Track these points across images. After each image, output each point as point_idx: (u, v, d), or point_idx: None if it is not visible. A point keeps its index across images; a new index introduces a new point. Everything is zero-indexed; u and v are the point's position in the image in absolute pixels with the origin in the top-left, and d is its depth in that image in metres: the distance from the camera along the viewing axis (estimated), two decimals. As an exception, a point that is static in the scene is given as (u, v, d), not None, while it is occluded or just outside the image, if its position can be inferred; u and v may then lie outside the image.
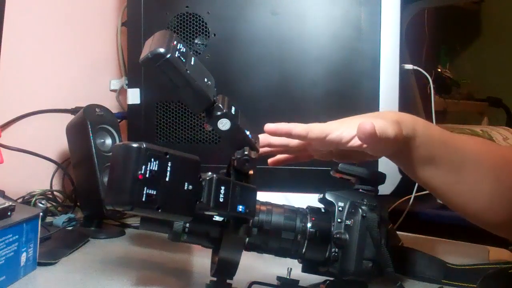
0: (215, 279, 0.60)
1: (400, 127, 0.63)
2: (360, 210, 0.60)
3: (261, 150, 0.69)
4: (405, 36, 0.97)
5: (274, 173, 0.91)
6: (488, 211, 0.68)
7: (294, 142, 0.69)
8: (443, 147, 0.69)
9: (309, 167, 0.91)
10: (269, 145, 0.70)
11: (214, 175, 0.55)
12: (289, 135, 0.64)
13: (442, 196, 0.70)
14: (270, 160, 0.73)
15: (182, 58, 0.56)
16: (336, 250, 0.60)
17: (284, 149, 0.71)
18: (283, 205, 0.63)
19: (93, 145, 0.91)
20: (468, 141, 0.72)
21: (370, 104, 0.87)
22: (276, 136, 0.66)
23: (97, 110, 0.95)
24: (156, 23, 0.99)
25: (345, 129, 0.62)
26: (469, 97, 2.75)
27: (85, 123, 0.91)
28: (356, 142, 0.62)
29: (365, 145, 0.61)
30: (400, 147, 0.65)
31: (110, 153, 0.91)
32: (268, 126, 0.64)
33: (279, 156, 0.73)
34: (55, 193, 1.09)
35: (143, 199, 0.51)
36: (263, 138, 0.67)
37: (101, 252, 0.83)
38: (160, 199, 0.51)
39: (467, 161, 0.69)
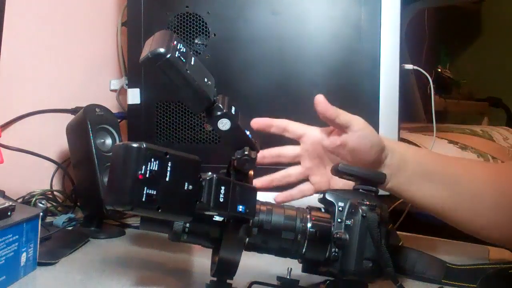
0: (215, 279, 0.60)
1: (378, 136, 0.69)
2: (360, 210, 0.60)
3: (261, 182, 0.72)
4: (405, 36, 0.97)
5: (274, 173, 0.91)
6: (492, 226, 0.68)
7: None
8: (436, 161, 0.71)
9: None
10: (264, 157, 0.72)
11: (214, 175, 0.55)
12: (270, 126, 0.72)
13: (444, 215, 0.71)
14: (277, 197, 0.73)
15: (182, 58, 0.56)
16: (336, 250, 0.60)
17: (278, 160, 0.73)
18: (283, 205, 0.63)
19: (93, 145, 0.90)
20: (458, 158, 0.75)
21: (370, 104, 0.87)
22: (260, 129, 0.71)
23: (97, 110, 0.95)
24: (156, 23, 0.99)
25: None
26: (469, 97, 2.76)
27: (85, 123, 0.91)
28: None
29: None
30: (382, 153, 0.69)
31: (110, 153, 0.91)
32: (254, 120, 0.71)
33: (285, 193, 0.74)
34: (55, 193, 1.09)
35: (143, 199, 0.51)
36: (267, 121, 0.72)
37: (101, 252, 0.83)
38: (160, 199, 0.51)
39: (463, 174, 0.70)
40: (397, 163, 0.70)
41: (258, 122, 0.71)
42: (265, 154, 0.72)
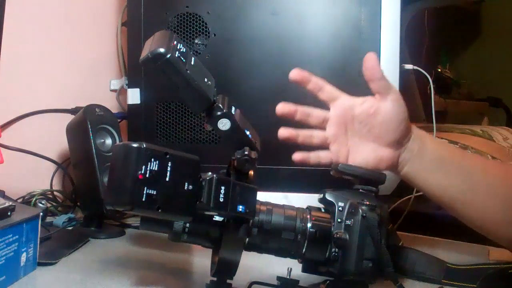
0: (215, 279, 0.60)
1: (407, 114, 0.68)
2: (360, 210, 0.60)
3: (289, 132, 0.70)
4: (405, 36, 0.97)
5: (274, 173, 0.91)
6: (503, 223, 0.68)
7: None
8: (453, 151, 0.71)
9: (309, 167, 0.91)
10: (295, 111, 0.70)
11: (214, 175, 0.55)
12: (308, 80, 0.70)
13: (456, 208, 0.70)
14: (295, 155, 0.72)
15: (182, 58, 0.56)
16: (336, 250, 0.60)
17: (306, 120, 0.71)
18: (283, 205, 0.63)
19: (93, 145, 0.90)
20: (472, 154, 0.74)
21: (370, 104, 0.87)
22: (298, 81, 0.70)
23: (97, 110, 0.95)
24: (156, 23, 0.99)
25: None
26: (469, 97, 2.76)
27: (85, 123, 0.91)
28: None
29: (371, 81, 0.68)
30: (409, 133, 0.68)
31: (110, 153, 0.91)
32: (293, 71, 0.70)
33: (304, 153, 0.72)
34: (55, 193, 1.09)
35: (143, 199, 0.51)
36: (290, 104, 0.70)
37: (101, 252, 0.83)
38: (160, 199, 0.51)
39: (478, 167, 0.70)
40: (417, 148, 0.69)
41: (297, 74, 0.70)
42: (299, 109, 0.70)
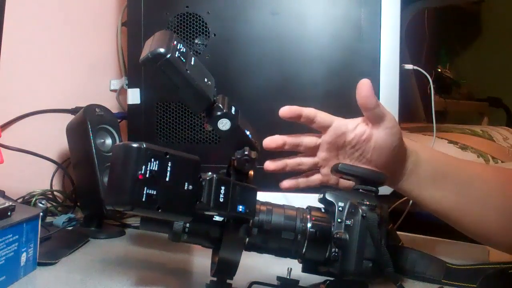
0: (215, 279, 0.60)
1: (402, 140, 0.67)
2: (360, 210, 0.60)
3: (275, 165, 0.70)
4: (405, 36, 0.97)
5: (274, 173, 0.91)
6: (500, 230, 0.68)
7: (306, 140, 0.70)
8: (448, 163, 0.71)
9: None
10: (283, 145, 0.70)
11: (214, 175, 0.55)
12: (299, 115, 0.68)
13: (453, 219, 0.71)
14: (283, 184, 0.72)
15: (182, 58, 0.56)
16: (336, 250, 0.60)
17: (296, 149, 0.71)
18: (283, 205, 0.63)
19: (93, 145, 0.90)
20: (470, 161, 0.74)
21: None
22: (288, 118, 0.68)
23: (97, 110, 0.95)
24: (156, 23, 0.99)
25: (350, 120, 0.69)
26: (469, 97, 2.76)
27: (85, 123, 0.91)
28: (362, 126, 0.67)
29: (364, 106, 0.66)
30: (403, 155, 0.68)
31: (110, 153, 0.91)
32: (283, 109, 0.68)
33: (291, 181, 0.73)
34: (55, 193, 1.09)
35: (143, 199, 0.51)
36: (277, 138, 0.69)
37: (101, 252, 0.83)
38: (160, 199, 0.51)
39: (473, 177, 0.70)
40: (412, 165, 0.69)
41: (287, 111, 0.67)
42: (287, 141, 0.69)
